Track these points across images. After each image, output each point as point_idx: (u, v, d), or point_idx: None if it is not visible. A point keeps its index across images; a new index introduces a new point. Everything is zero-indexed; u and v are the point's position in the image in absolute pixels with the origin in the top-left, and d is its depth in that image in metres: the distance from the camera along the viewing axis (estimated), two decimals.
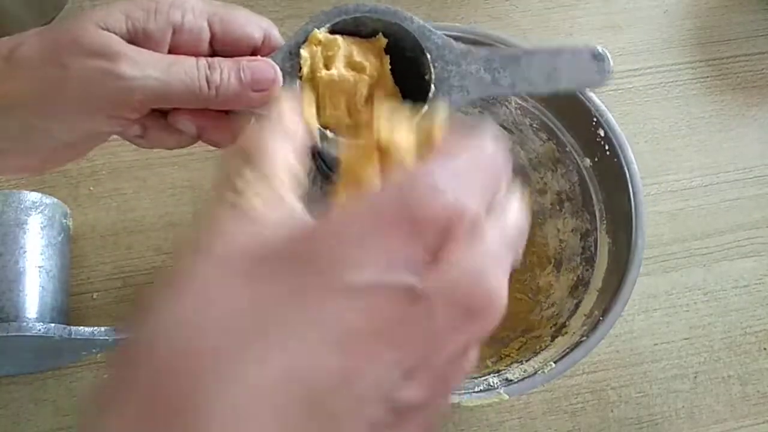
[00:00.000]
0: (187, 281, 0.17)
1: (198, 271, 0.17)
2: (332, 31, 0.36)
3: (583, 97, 0.44)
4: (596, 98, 0.44)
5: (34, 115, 0.30)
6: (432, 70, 0.36)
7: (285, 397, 0.15)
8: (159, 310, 0.17)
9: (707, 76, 0.61)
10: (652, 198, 0.55)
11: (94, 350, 0.45)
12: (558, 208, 0.48)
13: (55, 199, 0.47)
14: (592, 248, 0.45)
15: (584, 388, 0.48)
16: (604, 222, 0.45)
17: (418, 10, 0.62)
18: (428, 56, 0.36)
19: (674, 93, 0.60)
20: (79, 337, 0.43)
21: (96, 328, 0.44)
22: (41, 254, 0.44)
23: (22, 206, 0.45)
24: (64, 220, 0.47)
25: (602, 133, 0.44)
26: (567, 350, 0.39)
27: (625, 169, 0.43)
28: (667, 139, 0.58)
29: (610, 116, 0.44)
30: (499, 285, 0.17)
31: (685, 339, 0.50)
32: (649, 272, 0.52)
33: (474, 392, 0.38)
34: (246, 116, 0.33)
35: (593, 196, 0.46)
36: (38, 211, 0.45)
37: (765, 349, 0.51)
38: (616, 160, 0.43)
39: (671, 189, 0.56)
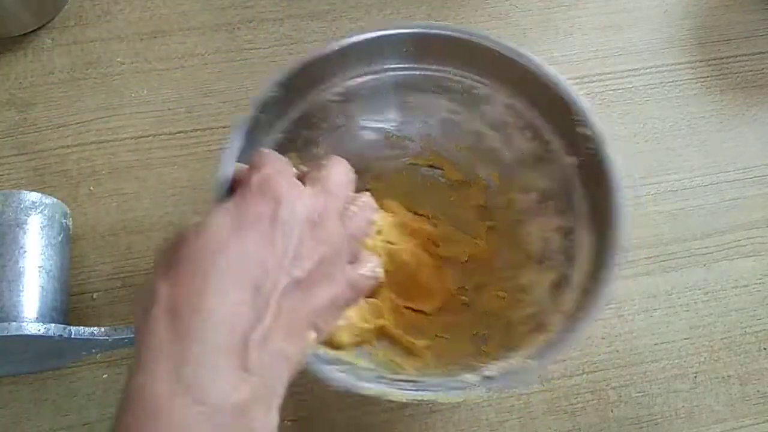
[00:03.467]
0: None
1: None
2: None
3: (566, 95, 0.44)
4: (580, 96, 0.45)
5: None
6: None
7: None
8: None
9: (707, 76, 0.61)
10: (652, 198, 0.55)
11: (94, 350, 0.45)
12: (542, 206, 0.48)
13: (55, 199, 0.47)
14: (574, 246, 0.45)
15: (584, 388, 0.49)
16: (587, 220, 0.45)
17: (418, 10, 0.62)
18: None
19: (674, 93, 0.60)
20: (79, 337, 0.43)
21: (96, 328, 0.44)
22: (41, 254, 0.44)
23: (22, 206, 0.45)
24: (64, 220, 0.47)
25: (584, 132, 0.44)
26: (546, 347, 0.39)
27: (607, 167, 0.43)
28: (667, 139, 0.58)
29: (593, 114, 0.44)
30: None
31: (685, 339, 0.50)
32: (649, 272, 0.52)
33: (451, 389, 0.38)
34: None
35: (576, 195, 0.46)
36: (38, 211, 0.45)
37: (765, 349, 0.51)
38: (598, 158, 0.43)
39: (671, 189, 0.56)
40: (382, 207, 0.49)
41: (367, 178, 0.51)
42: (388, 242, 0.47)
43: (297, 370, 0.29)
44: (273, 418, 0.27)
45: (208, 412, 0.24)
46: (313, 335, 0.29)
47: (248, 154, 0.42)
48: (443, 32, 0.46)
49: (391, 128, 0.50)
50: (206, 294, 0.26)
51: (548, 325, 0.41)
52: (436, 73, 0.48)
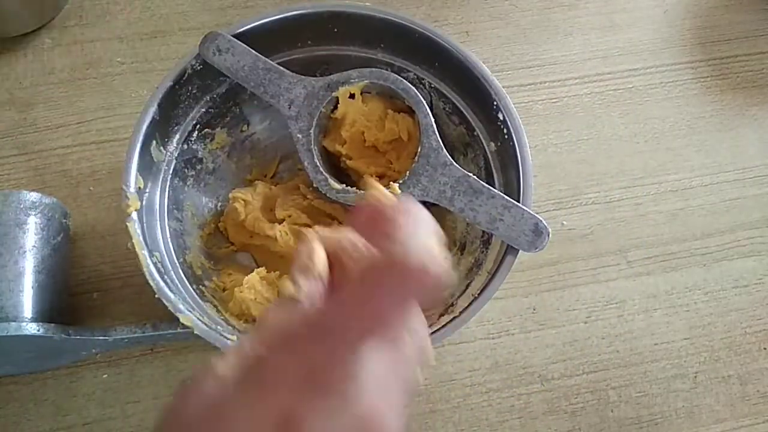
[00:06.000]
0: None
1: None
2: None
3: (484, 80, 0.45)
4: (496, 81, 0.45)
5: None
6: (414, 161, 0.41)
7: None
8: None
9: (707, 76, 0.61)
10: (652, 198, 0.55)
11: (94, 350, 0.45)
12: None
13: (55, 199, 0.47)
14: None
15: (584, 388, 0.49)
16: None
17: (418, 10, 0.62)
18: (418, 149, 0.42)
19: (674, 93, 0.60)
20: (79, 337, 0.43)
21: (96, 328, 0.44)
22: (41, 254, 0.44)
23: (22, 206, 0.45)
24: (64, 220, 0.47)
25: (501, 117, 0.44)
26: (441, 327, 0.39)
27: (518, 152, 0.43)
28: (667, 139, 0.58)
29: (508, 100, 0.44)
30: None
31: (685, 339, 0.50)
32: (649, 272, 0.52)
33: None
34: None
35: (495, 180, 0.46)
36: (38, 211, 0.45)
37: (765, 349, 0.51)
38: (512, 144, 0.44)
39: (671, 189, 0.56)
40: (293, 194, 0.50)
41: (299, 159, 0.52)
42: (305, 224, 0.48)
43: None
44: None
45: None
46: None
47: (164, 125, 0.44)
48: (366, 12, 0.45)
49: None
50: None
51: (455, 306, 0.42)
52: (365, 55, 0.48)
